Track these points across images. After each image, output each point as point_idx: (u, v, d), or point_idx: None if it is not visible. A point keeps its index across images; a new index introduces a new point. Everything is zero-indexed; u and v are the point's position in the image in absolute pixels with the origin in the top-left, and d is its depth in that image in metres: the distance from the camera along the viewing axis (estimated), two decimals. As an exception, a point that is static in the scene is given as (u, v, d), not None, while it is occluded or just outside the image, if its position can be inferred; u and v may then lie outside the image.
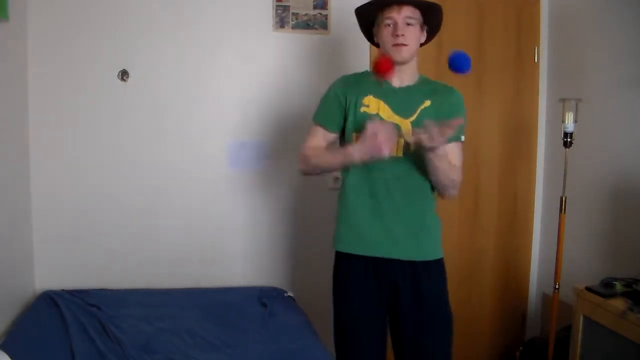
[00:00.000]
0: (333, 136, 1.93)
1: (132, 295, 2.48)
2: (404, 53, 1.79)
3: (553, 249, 2.49)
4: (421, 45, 1.90)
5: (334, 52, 2.73)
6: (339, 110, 1.89)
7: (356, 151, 1.73)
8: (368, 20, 1.89)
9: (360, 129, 1.80)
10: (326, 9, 2.70)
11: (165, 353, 2.02)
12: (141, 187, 2.62)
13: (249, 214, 2.74)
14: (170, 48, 2.59)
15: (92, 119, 2.55)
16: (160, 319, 2.30)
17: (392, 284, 1.87)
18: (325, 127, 1.92)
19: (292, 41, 2.70)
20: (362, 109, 1.85)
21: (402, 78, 1.86)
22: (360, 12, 1.90)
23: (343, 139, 1.92)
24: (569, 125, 2.39)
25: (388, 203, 1.84)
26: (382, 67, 1.79)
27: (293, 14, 2.68)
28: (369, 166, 1.80)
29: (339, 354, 1.97)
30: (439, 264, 1.91)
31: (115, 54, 2.54)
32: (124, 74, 2.55)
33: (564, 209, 2.46)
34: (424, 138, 1.63)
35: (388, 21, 1.78)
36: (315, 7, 2.69)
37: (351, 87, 1.90)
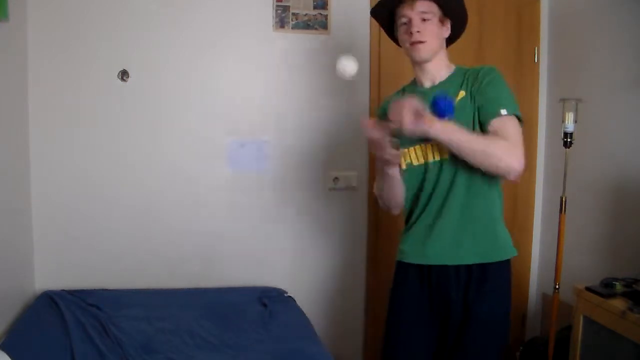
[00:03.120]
0: None
1: (132, 295, 2.48)
2: (422, 52, 1.68)
3: (553, 249, 2.49)
4: (450, 40, 1.78)
5: (334, 52, 2.72)
6: None
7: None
8: (387, 20, 1.79)
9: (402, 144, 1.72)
10: (326, 9, 2.70)
11: (165, 353, 2.03)
12: (141, 187, 2.62)
13: (249, 214, 2.73)
14: (170, 48, 2.59)
15: (92, 119, 2.55)
16: (160, 319, 2.30)
17: (444, 293, 1.72)
18: None
19: (292, 41, 2.70)
20: None
21: (433, 77, 1.75)
22: (375, 13, 1.82)
23: None
24: (569, 125, 2.39)
25: (434, 208, 1.71)
26: None
27: (293, 14, 2.68)
28: (418, 177, 1.73)
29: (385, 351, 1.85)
30: (494, 268, 1.69)
31: (115, 54, 2.54)
32: (124, 74, 2.55)
33: (564, 209, 2.45)
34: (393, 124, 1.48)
35: (403, 19, 1.69)
36: (315, 7, 2.69)
37: None
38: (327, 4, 2.70)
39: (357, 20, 2.71)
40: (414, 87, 1.82)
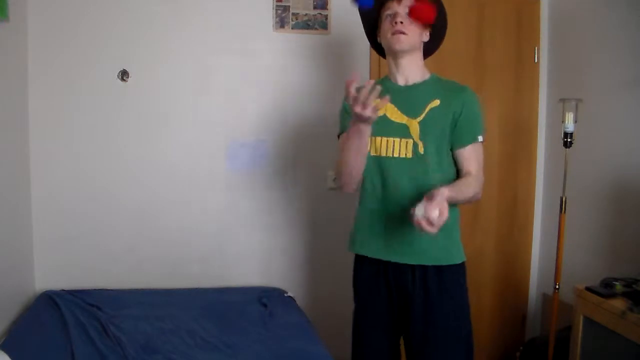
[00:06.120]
0: None
1: (132, 295, 2.48)
2: (403, 42, 1.76)
3: (553, 249, 2.49)
4: (428, 51, 1.88)
5: (333, 52, 2.73)
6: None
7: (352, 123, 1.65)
8: (371, 20, 1.88)
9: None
10: (326, 9, 2.70)
11: (165, 353, 2.02)
12: (141, 187, 2.62)
13: (249, 214, 2.74)
14: (171, 48, 2.59)
15: (92, 119, 2.55)
16: (160, 319, 2.30)
17: (402, 290, 1.83)
18: None
19: (292, 41, 2.70)
20: None
21: (406, 76, 1.83)
22: (363, 11, 1.88)
23: None
24: (569, 126, 2.39)
25: (397, 205, 1.79)
26: (423, 13, 1.76)
27: (293, 14, 2.68)
28: (383, 169, 1.81)
29: (353, 348, 2.00)
30: (453, 270, 1.83)
31: (115, 54, 2.54)
32: (124, 74, 2.55)
33: (564, 209, 2.45)
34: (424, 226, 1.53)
35: (388, 12, 1.79)
36: (315, 7, 2.69)
37: None
38: (327, 4, 2.70)
39: (357, 20, 2.67)
40: (387, 82, 1.86)
